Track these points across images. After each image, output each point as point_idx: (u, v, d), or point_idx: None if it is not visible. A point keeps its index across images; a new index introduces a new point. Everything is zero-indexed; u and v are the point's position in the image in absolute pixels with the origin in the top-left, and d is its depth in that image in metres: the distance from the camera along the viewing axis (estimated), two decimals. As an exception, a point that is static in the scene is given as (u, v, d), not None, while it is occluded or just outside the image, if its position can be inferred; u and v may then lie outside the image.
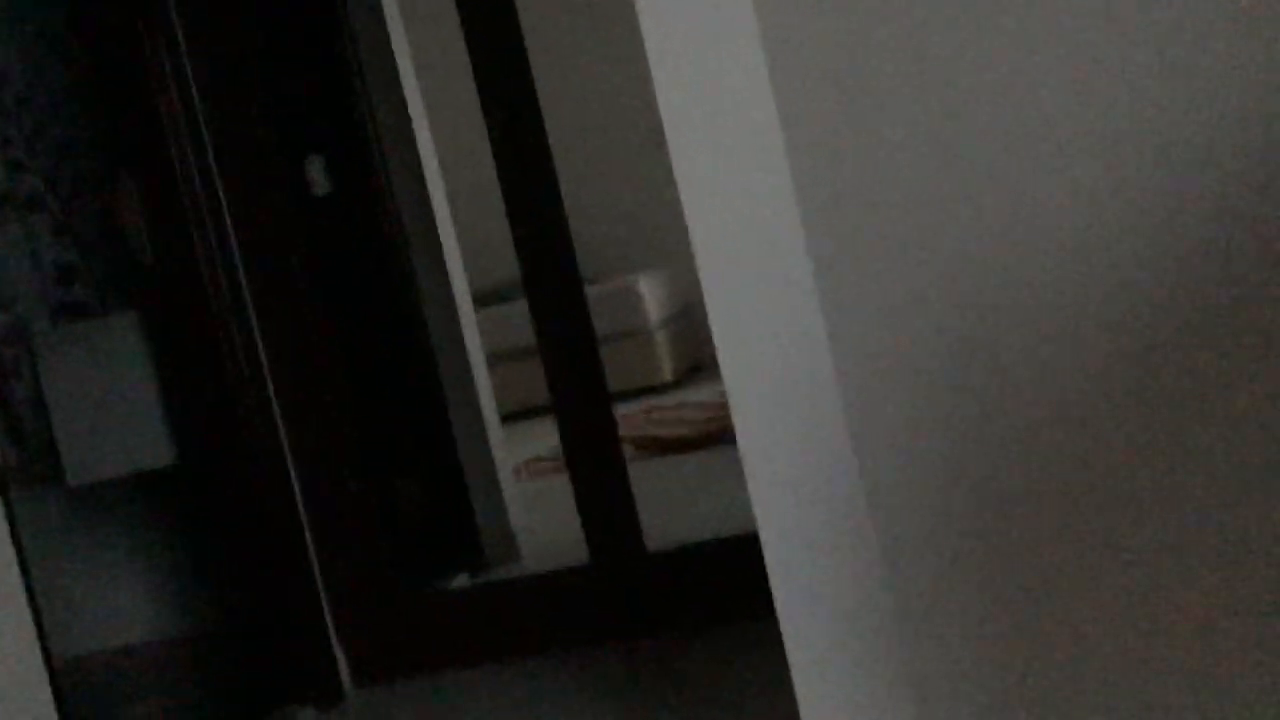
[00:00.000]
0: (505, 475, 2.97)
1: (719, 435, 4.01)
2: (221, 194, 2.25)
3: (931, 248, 1.14)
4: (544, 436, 4.79)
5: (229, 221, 2.26)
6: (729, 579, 2.17)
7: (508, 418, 3.56)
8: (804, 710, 1.20)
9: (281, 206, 2.28)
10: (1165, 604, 1.12)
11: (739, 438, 1.19)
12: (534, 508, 3.39)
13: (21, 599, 1.61)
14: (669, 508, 3.12)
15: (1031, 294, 1.12)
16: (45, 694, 1.64)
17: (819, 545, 1.18)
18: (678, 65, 1.17)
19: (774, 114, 1.15)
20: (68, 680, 2.60)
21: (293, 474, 2.28)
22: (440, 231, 2.94)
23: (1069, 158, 1.10)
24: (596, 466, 2.25)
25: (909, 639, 1.18)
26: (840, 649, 1.18)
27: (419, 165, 2.91)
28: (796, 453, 1.18)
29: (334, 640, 2.30)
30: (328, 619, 2.30)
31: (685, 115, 1.17)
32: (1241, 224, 1.07)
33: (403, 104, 2.92)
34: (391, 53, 2.92)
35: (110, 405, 2.30)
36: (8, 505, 1.65)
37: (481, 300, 6.08)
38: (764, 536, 1.19)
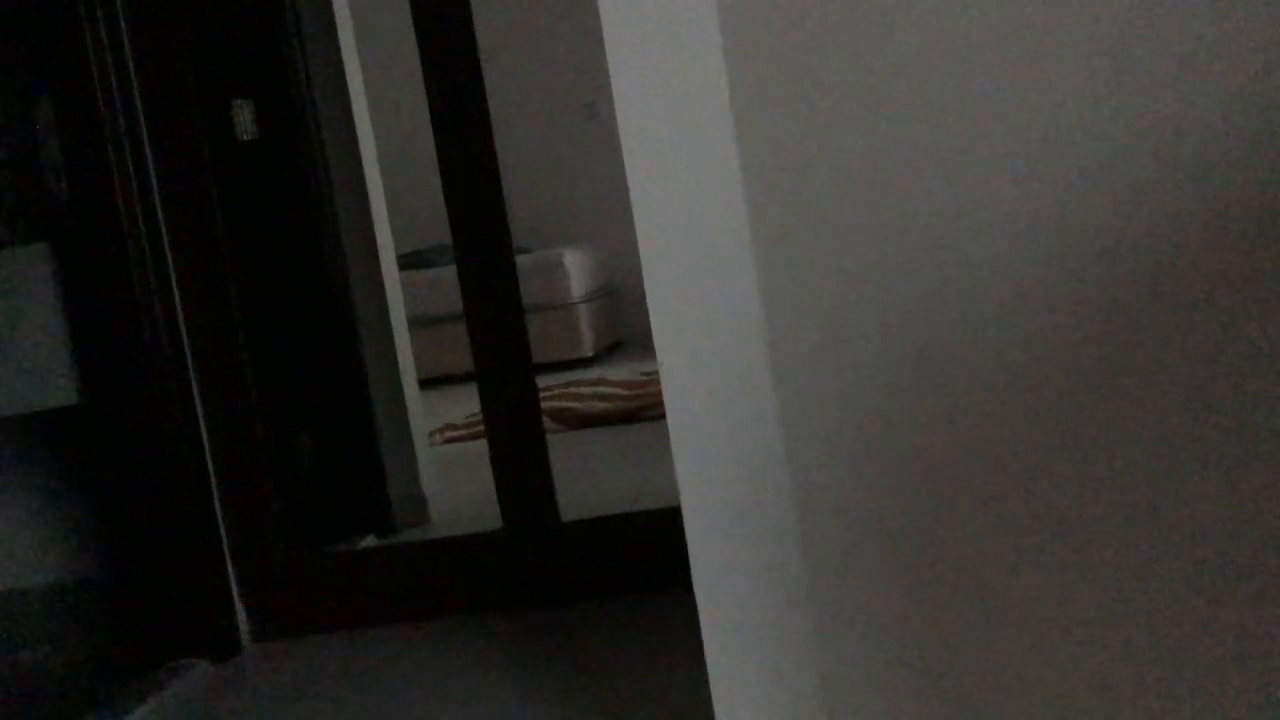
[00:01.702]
0: (420, 439, 2.93)
1: (636, 413, 4.02)
2: (144, 131, 2.18)
3: (869, 236, 1.14)
4: (458, 404, 4.75)
5: (150, 159, 2.19)
6: (641, 552, 2.18)
7: (424, 384, 3.53)
8: (714, 682, 1.20)
9: (206, 148, 2.22)
10: (1085, 599, 1.14)
11: (668, 407, 1.19)
12: (446, 474, 3.36)
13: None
14: (582, 481, 3.12)
15: (963, 285, 1.13)
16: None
17: (740, 521, 1.18)
18: (635, 57, 1.16)
19: (727, 102, 1.15)
20: (-49, 621, 2.52)
21: (202, 422, 2.23)
22: (369, 189, 2.88)
23: (1012, 161, 1.11)
24: (516, 433, 2.23)
25: (823, 618, 1.19)
26: (754, 625, 1.19)
27: (351, 119, 2.86)
28: (724, 427, 1.18)
29: (234, 593, 2.25)
30: (229, 571, 2.25)
31: (638, 96, 1.16)
32: (1181, 228, 1.09)
33: (338, 56, 2.86)
34: (330, 3, 2.85)
35: (13, 340, 2.22)
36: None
37: (404, 264, 6.00)
38: (686, 508, 1.19)
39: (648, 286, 1.18)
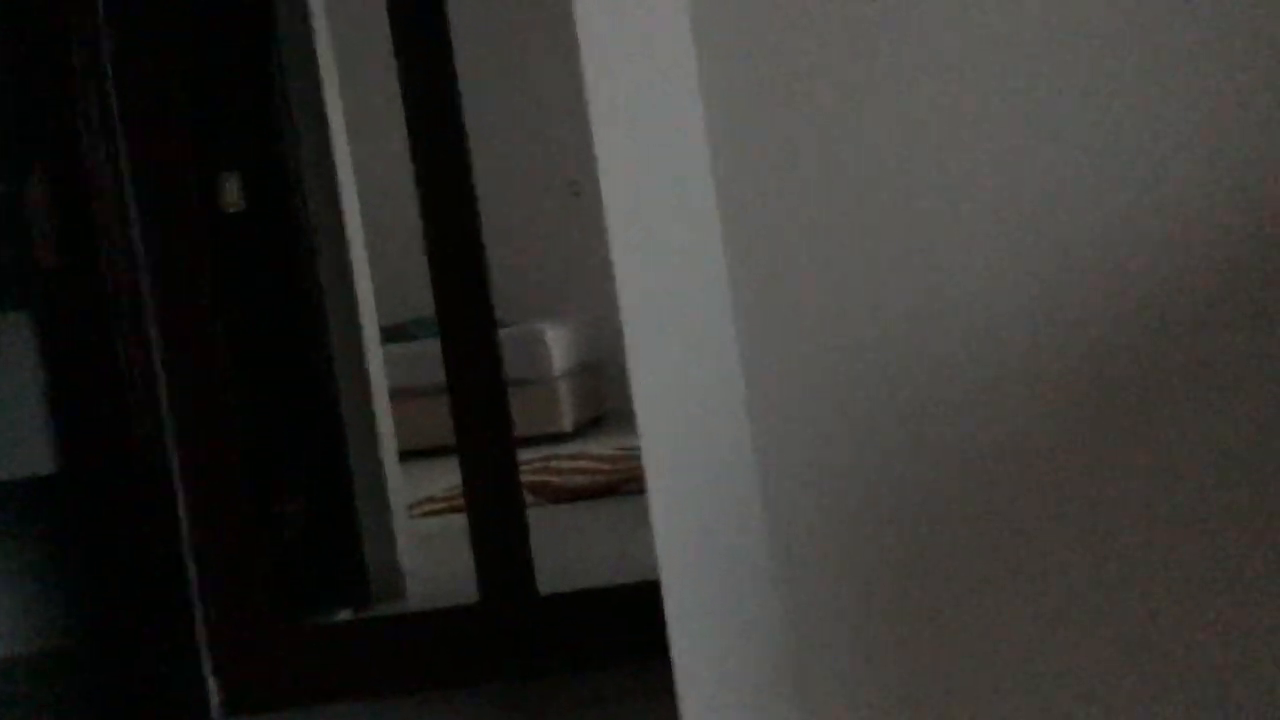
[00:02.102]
0: (399, 512, 2.92)
1: (615, 487, 4.01)
2: (131, 201, 2.20)
3: (852, 312, 1.16)
4: (437, 477, 4.74)
5: (137, 230, 2.21)
6: (619, 625, 2.17)
7: (403, 456, 3.53)
8: (691, 756, 1.20)
9: (192, 220, 2.24)
10: (1066, 616, 1.15)
11: (648, 479, 1.20)
12: (425, 547, 3.35)
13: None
14: (561, 554, 3.10)
15: (944, 332, 1.15)
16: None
17: (720, 594, 1.19)
18: (615, 111, 1.19)
19: (709, 178, 1.18)
20: (-84, 693, 2.47)
21: (179, 493, 2.22)
22: (352, 261, 2.91)
23: (990, 189, 1.14)
24: (495, 506, 2.23)
25: (806, 694, 1.19)
26: (733, 698, 1.19)
27: (336, 193, 2.89)
28: (705, 500, 1.19)
29: (207, 666, 2.22)
30: (201, 643, 2.22)
31: (623, 174, 1.19)
32: (1168, 238, 1.12)
33: (325, 129, 2.90)
34: (318, 77, 2.90)
35: (-8, 407, 2.22)
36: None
37: (387, 336, 6.01)
38: (665, 581, 1.19)
39: (629, 360, 1.20)
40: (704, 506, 1.19)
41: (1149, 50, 1.11)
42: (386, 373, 3.13)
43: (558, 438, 5.83)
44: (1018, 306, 1.14)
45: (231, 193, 2.64)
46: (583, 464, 4.55)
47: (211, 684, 2.23)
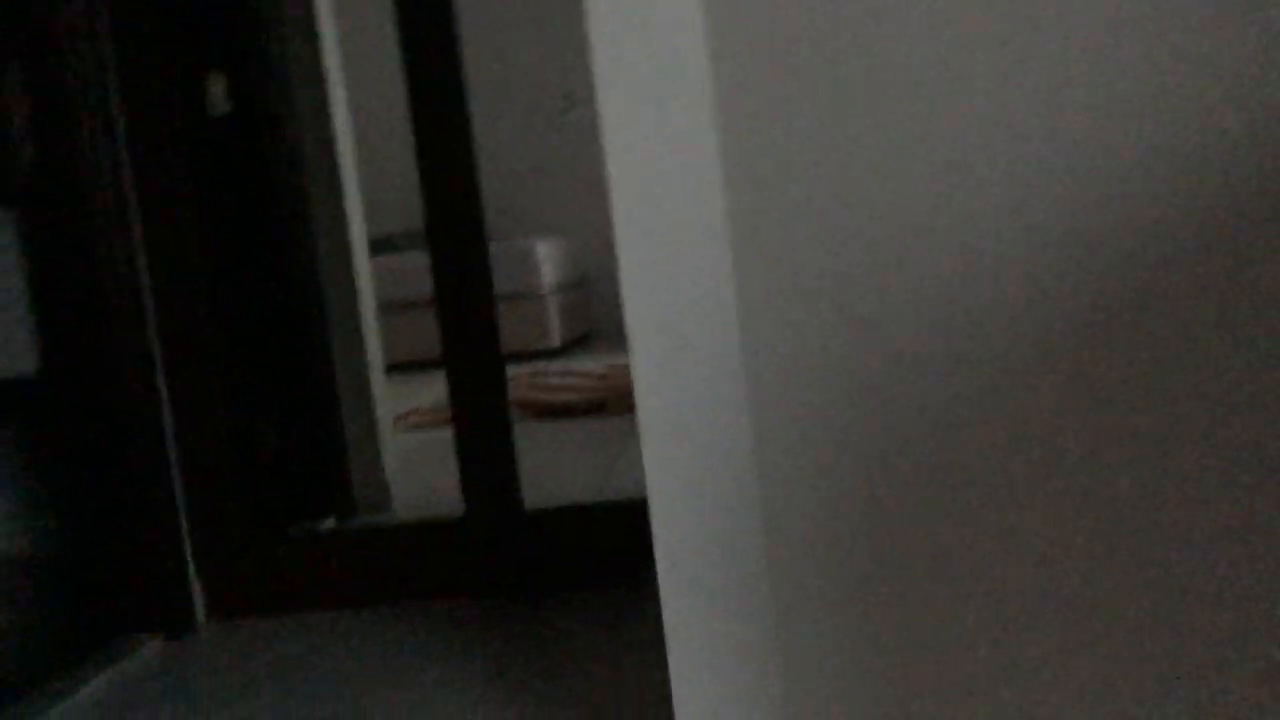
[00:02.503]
0: (384, 425, 2.92)
1: (602, 405, 4.01)
2: (114, 99, 2.15)
3: (847, 233, 1.14)
4: (416, 391, 4.73)
5: (120, 128, 2.16)
6: (604, 544, 2.17)
7: (387, 369, 3.52)
8: (675, 677, 1.20)
9: (177, 120, 2.19)
10: (1061, 604, 1.15)
11: (638, 395, 1.19)
12: (408, 460, 3.35)
13: None
14: (545, 471, 3.11)
15: (942, 283, 1.13)
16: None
17: (707, 512, 1.18)
18: (619, 46, 1.15)
19: (709, 94, 1.14)
20: (-102, 591, 2.48)
21: (164, 397, 2.20)
22: (341, 171, 2.86)
23: (1000, 160, 1.12)
24: (482, 421, 2.22)
25: (786, 612, 1.19)
26: (717, 616, 1.19)
27: (326, 99, 2.83)
28: (694, 417, 1.18)
29: (190, 570, 2.23)
30: (186, 548, 2.23)
31: (620, 85, 1.16)
32: (1168, 229, 1.10)
33: (315, 33, 2.83)
34: (309, -22, 2.83)
35: (-27, 306, 2.18)
36: None
37: (372, 248, 5.95)
38: (652, 497, 1.19)
39: (623, 275, 1.17)
40: (693, 427, 1.18)
41: (1158, 37, 1.08)
42: (374, 286, 3.10)
43: (545, 354, 5.82)
44: (1028, 290, 1.12)
45: (218, 94, 2.58)
46: (570, 381, 4.54)
47: (196, 587, 2.23)
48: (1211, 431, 1.11)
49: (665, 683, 1.64)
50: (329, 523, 2.66)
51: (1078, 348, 1.12)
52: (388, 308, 5.53)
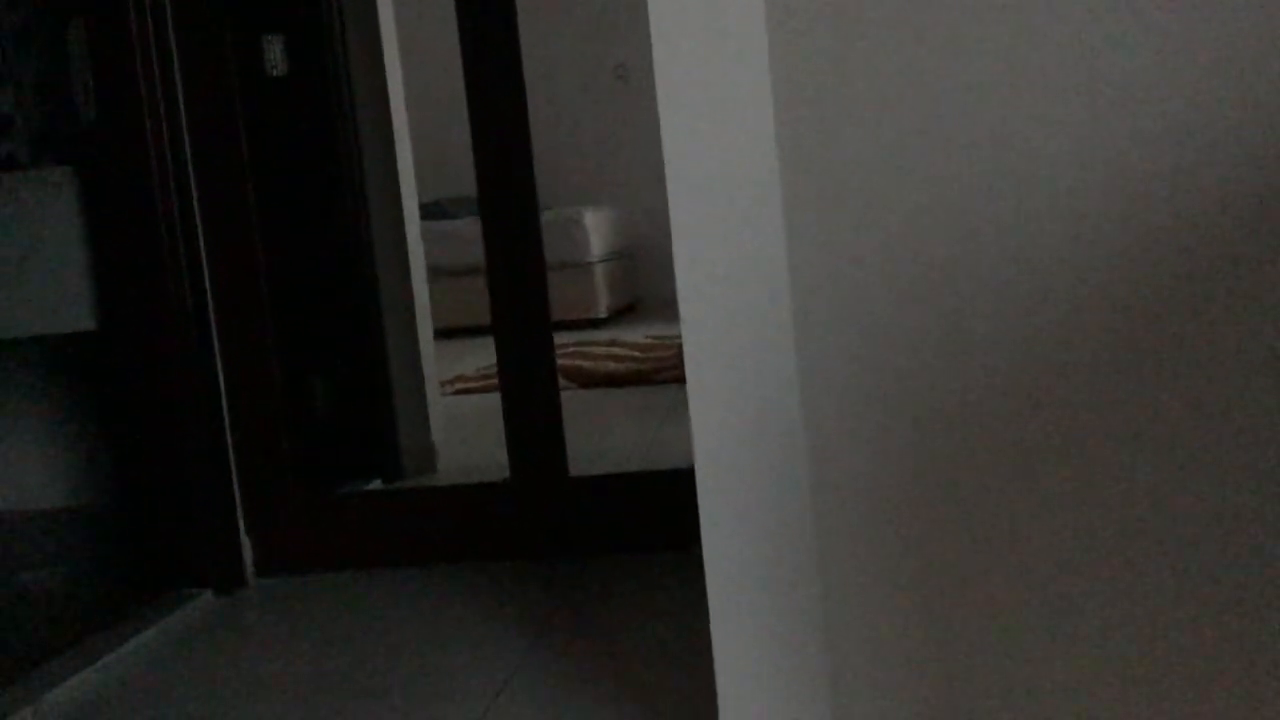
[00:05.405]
0: (432, 389, 2.94)
1: (647, 375, 4.02)
2: (175, 59, 2.17)
3: (899, 208, 1.14)
4: (468, 356, 4.76)
5: (179, 87, 2.18)
6: (646, 511, 2.18)
7: (435, 334, 3.55)
8: (716, 640, 1.21)
9: (234, 81, 2.21)
10: (1094, 590, 1.14)
11: (688, 364, 1.19)
12: (455, 425, 3.37)
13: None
14: (590, 439, 3.12)
15: (988, 263, 1.13)
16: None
17: (753, 482, 1.19)
18: (677, 19, 1.15)
19: (765, 66, 1.14)
20: (-42, 537, 2.54)
21: (218, 355, 2.24)
22: (395, 134, 2.87)
23: (1051, 146, 1.11)
24: (530, 387, 2.24)
25: (830, 584, 1.19)
26: (760, 585, 1.20)
27: (381, 62, 2.84)
28: (743, 387, 1.18)
29: (241, 527, 2.27)
30: (238, 503, 2.27)
31: (678, 57, 1.15)
32: (1200, 220, 1.09)
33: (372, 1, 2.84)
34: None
35: (34, 261, 2.23)
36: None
37: (423, 214, 5.98)
38: (699, 465, 1.19)
39: (675, 245, 1.18)
40: (742, 396, 1.18)
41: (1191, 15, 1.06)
42: (424, 250, 3.12)
43: (591, 323, 5.83)
44: (1075, 259, 1.11)
45: (274, 55, 2.60)
46: (616, 350, 4.55)
47: (245, 544, 2.27)
48: (1259, 429, 1.09)
49: (707, 646, 1.65)
50: (376, 484, 2.70)
51: (1138, 340, 1.11)
52: (434, 273, 5.56)
